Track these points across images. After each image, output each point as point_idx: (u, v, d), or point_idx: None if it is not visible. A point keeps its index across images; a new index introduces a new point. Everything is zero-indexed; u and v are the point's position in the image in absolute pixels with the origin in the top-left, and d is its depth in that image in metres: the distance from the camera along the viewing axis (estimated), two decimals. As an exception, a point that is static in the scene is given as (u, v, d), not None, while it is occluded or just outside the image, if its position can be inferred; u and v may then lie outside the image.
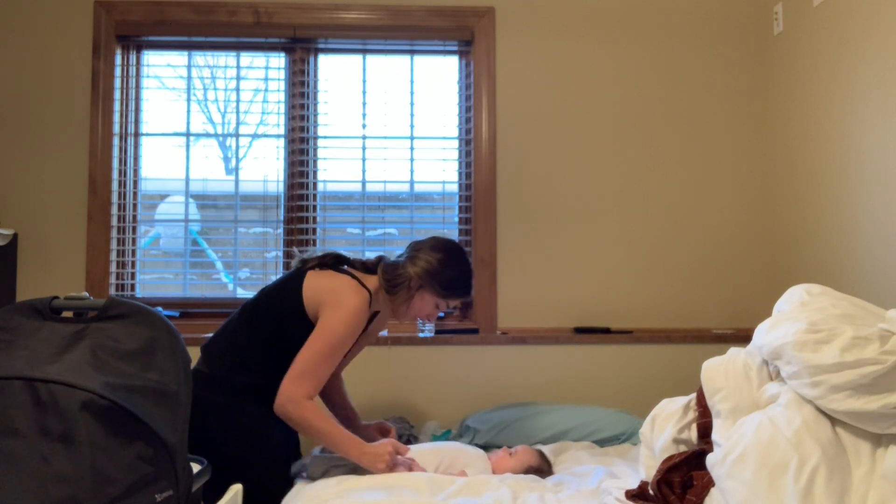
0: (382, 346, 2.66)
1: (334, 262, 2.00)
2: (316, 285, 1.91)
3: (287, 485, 1.90)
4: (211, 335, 2.02)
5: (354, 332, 1.87)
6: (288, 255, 2.80)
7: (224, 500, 1.37)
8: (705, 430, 1.58)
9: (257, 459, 1.89)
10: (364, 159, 2.85)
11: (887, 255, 2.09)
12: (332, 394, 2.21)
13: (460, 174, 2.86)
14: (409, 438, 2.33)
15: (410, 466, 1.84)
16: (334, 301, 1.87)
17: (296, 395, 1.79)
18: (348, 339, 1.85)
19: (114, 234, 2.74)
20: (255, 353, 1.92)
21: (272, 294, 1.97)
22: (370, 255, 2.11)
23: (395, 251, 2.81)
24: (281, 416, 1.81)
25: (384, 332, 2.68)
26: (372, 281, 1.97)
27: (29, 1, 2.72)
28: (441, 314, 2.09)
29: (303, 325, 1.89)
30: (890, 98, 2.07)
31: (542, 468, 2.01)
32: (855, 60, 2.23)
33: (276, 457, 1.93)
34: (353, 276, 1.94)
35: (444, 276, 1.95)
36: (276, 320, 1.92)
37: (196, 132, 2.85)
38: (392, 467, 1.81)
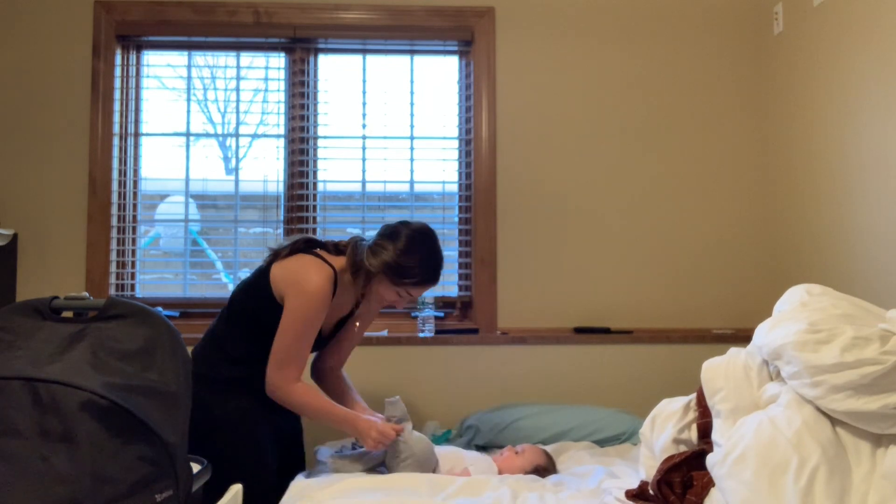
0: (384, 346, 2.66)
1: (305, 246, 1.99)
2: (280, 269, 1.92)
3: (274, 478, 1.91)
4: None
5: (320, 309, 1.87)
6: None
7: (224, 500, 1.36)
8: (705, 431, 1.58)
9: (243, 453, 1.89)
10: (364, 159, 2.85)
11: (887, 255, 2.09)
12: (334, 391, 2.20)
13: (460, 174, 2.86)
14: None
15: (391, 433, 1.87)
16: (295, 281, 1.87)
17: (282, 381, 1.84)
18: (315, 316, 1.87)
19: (114, 234, 2.74)
20: (235, 343, 1.94)
21: (244, 286, 1.99)
22: (332, 241, 2.08)
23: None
24: (276, 400, 1.86)
25: (384, 332, 2.69)
26: (339, 261, 1.96)
27: (29, 1, 2.72)
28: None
29: (275, 309, 1.90)
30: (890, 98, 2.07)
31: (549, 467, 2.02)
32: (855, 60, 2.23)
33: (262, 450, 1.92)
34: (319, 256, 1.94)
35: (399, 264, 1.90)
36: (250, 308, 1.94)
37: (196, 132, 2.85)
38: (382, 445, 1.86)
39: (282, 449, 2.04)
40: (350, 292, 2.04)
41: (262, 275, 1.96)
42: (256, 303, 1.93)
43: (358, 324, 2.18)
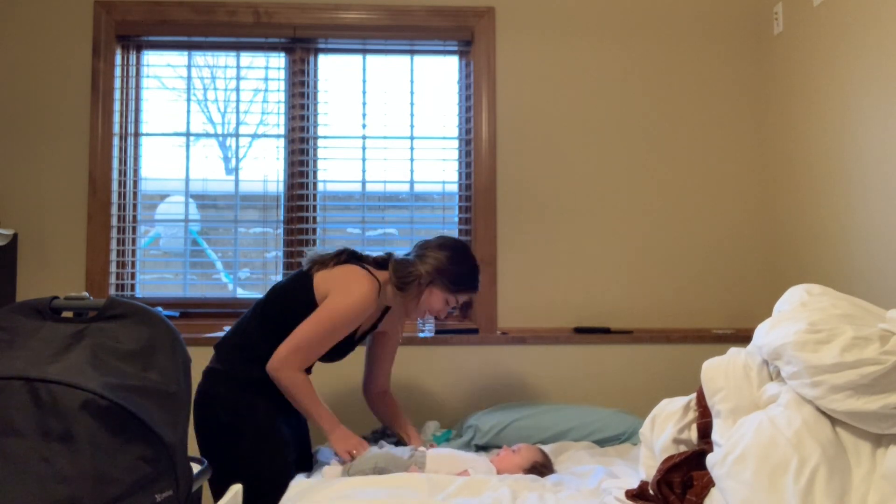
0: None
1: (349, 258, 2.05)
2: (326, 276, 1.98)
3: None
4: (223, 333, 2.07)
5: (357, 317, 1.92)
6: (288, 255, 2.80)
7: (224, 500, 1.36)
8: (705, 430, 1.58)
9: (265, 455, 1.93)
10: (364, 159, 2.85)
11: (887, 255, 2.09)
12: (386, 413, 2.27)
13: (460, 174, 2.86)
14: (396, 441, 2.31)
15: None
16: (342, 286, 1.93)
17: (286, 363, 1.88)
18: (350, 320, 1.91)
19: (114, 234, 2.74)
20: (268, 345, 1.95)
21: (283, 289, 2.03)
22: (370, 254, 2.14)
23: (396, 251, 2.81)
24: (271, 377, 1.89)
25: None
26: (382, 275, 2.03)
27: (29, 1, 2.72)
28: (451, 310, 2.12)
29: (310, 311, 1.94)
30: (889, 98, 2.07)
31: (546, 465, 2.02)
32: (855, 60, 2.23)
33: (283, 453, 1.96)
34: (365, 268, 2.00)
35: (454, 272, 2.01)
36: (287, 312, 1.97)
37: (196, 132, 2.85)
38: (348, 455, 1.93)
39: (296, 449, 2.09)
40: (396, 311, 2.13)
41: (302, 280, 1.99)
42: (295, 306, 1.96)
43: (389, 338, 2.26)
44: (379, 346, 2.26)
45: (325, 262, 2.02)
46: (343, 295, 1.92)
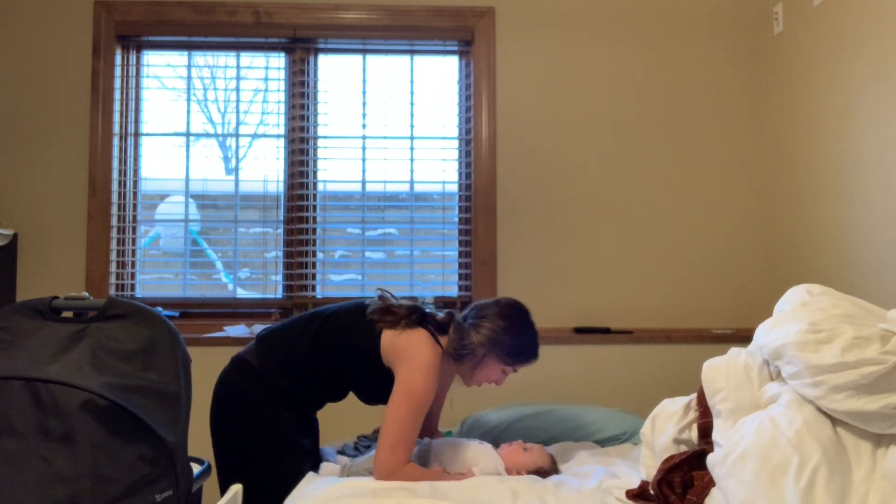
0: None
1: (419, 321, 1.93)
2: (396, 339, 1.87)
3: None
4: (269, 326, 2.01)
5: (433, 386, 1.83)
6: (288, 255, 2.80)
7: (224, 500, 1.36)
8: (706, 430, 1.58)
9: (286, 463, 1.89)
10: (364, 159, 2.85)
11: (887, 255, 2.09)
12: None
13: (460, 174, 2.86)
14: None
15: None
16: (410, 358, 1.83)
17: (397, 463, 1.77)
18: (429, 393, 1.82)
19: (114, 234, 2.74)
20: (309, 368, 1.89)
21: (345, 325, 1.93)
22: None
23: (396, 251, 2.82)
24: (379, 479, 1.78)
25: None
26: (445, 340, 1.93)
27: (29, 1, 2.72)
28: (429, 307, 2.08)
29: (372, 364, 1.87)
30: (889, 98, 2.07)
31: (551, 471, 2.02)
32: (855, 60, 2.23)
33: (299, 463, 1.93)
34: (430, 332, 1.90)
35: (510, 344, 1.92)
36: (344, 353, 1.89)
37: (196, 132, 2.84)
38: None
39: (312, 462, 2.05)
40: (450, 372, 2.05)
41: (367, 329, 1.89)
42: (355, 352, 1.88)
43: (440, 391, 2.22)
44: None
45: (396, 320, 1.90)
46: (415, 367, 1.82)
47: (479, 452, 2.00)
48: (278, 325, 2.01)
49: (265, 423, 1.88)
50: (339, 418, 2.61)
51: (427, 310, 1.98)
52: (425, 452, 1.99)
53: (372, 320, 1.91)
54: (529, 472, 1.96)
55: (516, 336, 1.93)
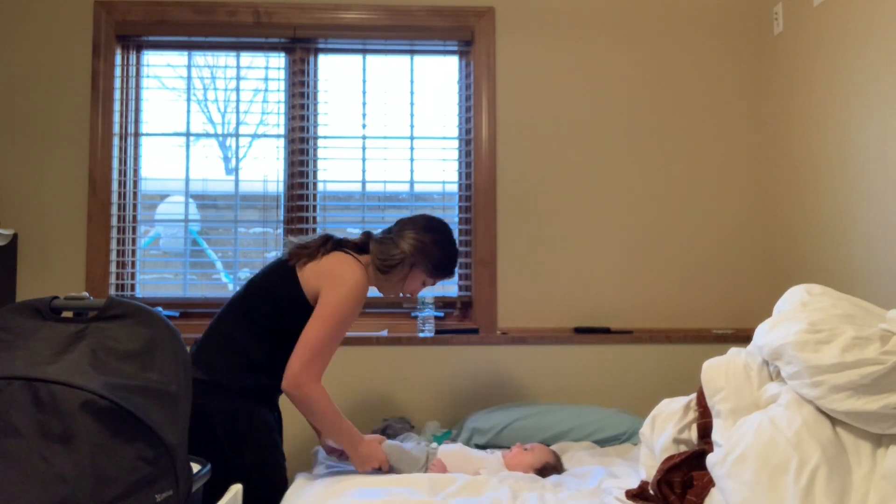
0: (384, 346, 2.66)
1: (334, 245, 1.97)
2: (314, 269, 1.88)
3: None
4: (196, 344, 1.93)
5: (357, 307, 1.86)
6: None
7: (224, 500, 1.36)
8: (705, 431, 1.58)
9: (268, 465, 1.86)
10: (364, 159, 2.85)
11: (887, 255, 2.09)
12: None
13: (460, 174, 2.86)
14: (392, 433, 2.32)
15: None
16: (334, 276, 1.85)
17: (306, 378, 1.78)
18: (352, 314, 1.85)
19: (114, 234, 2.74)
20: (260, 350, 1.86)
21: (266, 287, 1.92)
22: (350, 239, 2.09)
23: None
24: (288, 397, 1.79)
25: (384, 332, 2.68)
26: (365, 259, 1.99)
27: (29, 1, 2.72)
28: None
29: (304, 311, 1.86)
30: (890, 97, 2.07)
31: (557, 466, 2.03)
32: (855, 60, 2.23)
33: (283, 458, 1.92)
34: (349, 254, 1.94)
35: (437, 257, 1.99)
36: (275, 311, 1.87)
37: (196, 132, 2.84)
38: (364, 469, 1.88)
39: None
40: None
41: (285, 275, 1.89)
42: (283, 303, 1.87)
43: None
44: None
45: (311, 253, 1.92)
46: (340, 284, 1.84)
47: (485, 459, 2.00)
48: (207, 333, 1.94)
49: (239, 431, 1.82)
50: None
51: (339, 237, 2.03)
52: (433, 457, 1.99)
53: (290, 265, 1.91)
54: (536, 470, 1.97)
55: (443, 249, 2.00)
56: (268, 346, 1.87)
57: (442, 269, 2.01)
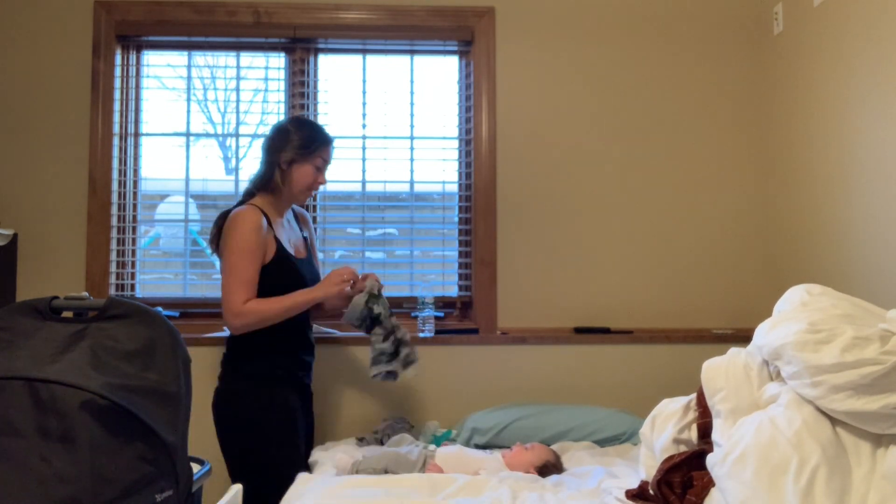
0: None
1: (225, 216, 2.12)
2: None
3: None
4: (224, 333, 2.24)
5: (249, 236, 1.99)
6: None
7: (224, 500, 1.37)
8: (705, 431, 1.58)
9: (286, 449, 2.04)
10: (364, 159, 2.85)
11: (887, 255, 2.09)
12: None
13: (460, 174, 2.86)
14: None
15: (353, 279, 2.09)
16: (225, 234, 2.03)
17: (238, 302, 1.95)
18: (247, 243, 1.99)
19: (114, 234, 2.74)
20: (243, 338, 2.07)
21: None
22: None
23: (396, 251, 2.82)
24: (240, 329, 1.97)
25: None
26: (255, 199, 2.13)
27: (29, 1, 2.72)
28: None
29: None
30: (890, 98, 2.07)
31: (557, 466, 2.03)
32: (855, 60, 2.23)
33: (300, 440, 2.10)
34: (233, 208, 2.10)
35: (296, 141, 2.11)
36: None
37: (196, 132, 2.84)
38: (346, 283, 2.05)
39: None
40: (296, 213, 2.30)
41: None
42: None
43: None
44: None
45: (217, 233, 2.10)
46: (227, 232, 2.01)
47: (484, 460, 2.01)
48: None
49: (264, 416, 2.01)
50: (336, 419, 2.62)
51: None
52: (430, 459, 1.99)
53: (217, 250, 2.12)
54: (537, 468, 1.97)
55: (297, 132, 2.12)
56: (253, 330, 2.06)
57: (311, 144, 2.12)
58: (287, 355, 2.11)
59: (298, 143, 2.10)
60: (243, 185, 2.84)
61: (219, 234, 2.08)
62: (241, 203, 2.14)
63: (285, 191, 2.14)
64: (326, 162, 2.19)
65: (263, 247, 2.02)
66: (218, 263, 2.83)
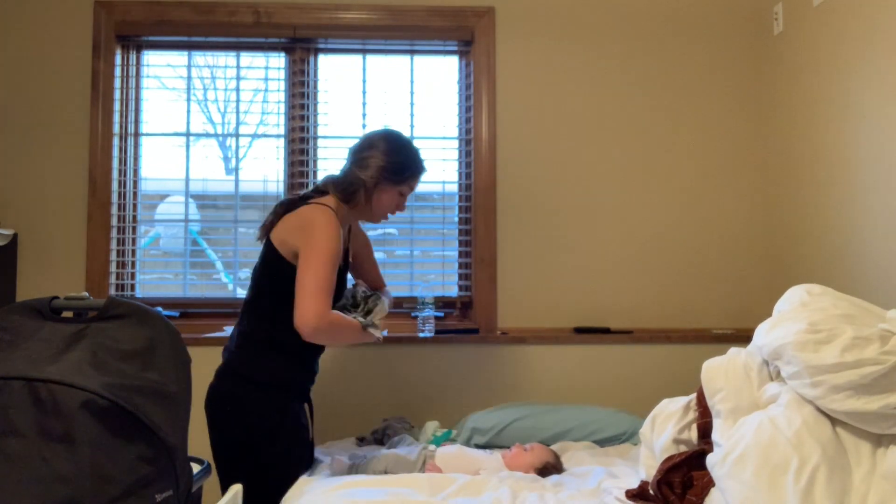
0: (383, 346, 2.66)
1: (290, 205, 1.99)
2: (281, 230, 1.92)
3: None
4: (222, 333, 2.09)
5: (336, 238, 1.86)
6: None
7: (224, 500, 1.37)
8: (705, 431, 1.58)
9: (298, 454, 1.95)
10: (364, 159, 2.84)
11: (887, 255, 2.09)
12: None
13: (460, 174, 2.86)
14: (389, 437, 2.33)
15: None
16: (301, 226, 1.87)
17: (321, 310, 1.77)
18: (334, 243, 1.84)
19: (114, 234, 2.74)
20: (269, 331, 1.92)
21: (255, 273, 1.99)
22: (307, 192, 2.10)
23: (396, 251, 2.82)
24: (309, 335, 1.78)
25: (385, 332, 2.68)
26: (329, 200, 2.00)
27: (29, 1, 2.72)
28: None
29: (288, 271, 1.88)
30: (889, 98, 2.07)
31: (557, 467, 2.03)
32: (855, 60, 2.23)
33: (310, 449, 2.02)
34: (311, 202, 1.96)
35: (394, 164, 1.99)
36: (269, 286, 1.92)
37: (196, 132, 2.84)
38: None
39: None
40: (355, 225, 2.18)
41: (264, 249, 1.96)
42: (273, 277, 1.91)
43: (361, 251, 2.27)
44: (359, 263, 2.27)
45: (278, 217, 1.96)
46: (309, 232, 1.85)
47: (484, 460, 2.01)
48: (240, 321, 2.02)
49: (277, 424, 1.91)
50: (336, 419, 2.62)
51: (297, 195, 2.07)
52: (430, 459, 1.99)
53: (266, 238, 1.96)
54: (537, 469, 1.97)
55: (397, 155, 2.00)
56: (275, 323, 1.91)
57: (405, 172, 2.02)
58: (301, 364, 2.00)
59: (392, 167, 1.99)
60: (243, 185, 2.85)
61: (274, 223, 1.95)
62: (309, 197, 2.03)
63: (365, 209, 2.03)
64: (412, 189, 2.09)
65: (341, 249, 1.94)
66: (219, 263, 2.83)
